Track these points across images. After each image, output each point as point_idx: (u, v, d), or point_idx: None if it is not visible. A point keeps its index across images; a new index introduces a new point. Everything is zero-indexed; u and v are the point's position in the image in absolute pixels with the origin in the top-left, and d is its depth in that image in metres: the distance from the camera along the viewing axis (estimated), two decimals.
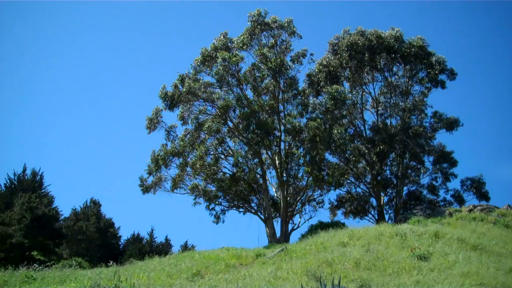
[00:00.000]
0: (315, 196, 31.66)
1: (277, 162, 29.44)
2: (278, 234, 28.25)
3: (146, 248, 36.80)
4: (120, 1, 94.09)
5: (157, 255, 21.61)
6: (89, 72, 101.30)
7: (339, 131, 27.95)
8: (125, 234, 47.89)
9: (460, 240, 16.53)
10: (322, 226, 26.17)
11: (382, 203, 30.55)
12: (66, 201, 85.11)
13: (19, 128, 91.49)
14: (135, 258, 27.11)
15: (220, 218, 31.03)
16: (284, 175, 29.86)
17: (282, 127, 29.78)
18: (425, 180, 32.79)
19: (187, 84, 27.88)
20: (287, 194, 29.55)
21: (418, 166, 32.02)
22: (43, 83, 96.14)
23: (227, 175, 30.76)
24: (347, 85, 31.82)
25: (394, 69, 31.47)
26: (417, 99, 31.22)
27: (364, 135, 31.12)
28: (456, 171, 32.14)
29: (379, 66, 30.97)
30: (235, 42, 28.95)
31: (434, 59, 30.13)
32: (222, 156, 31.04)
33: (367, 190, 31.80)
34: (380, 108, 32.15)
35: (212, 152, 30.43)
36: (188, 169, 30.06)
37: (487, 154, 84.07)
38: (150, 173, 29.95)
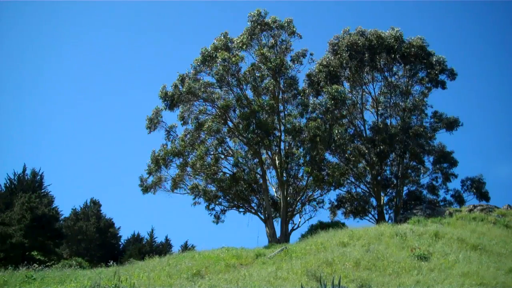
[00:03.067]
0: (315, 196, 31.72)
1: (277, 162, 29.43)
2: (278, 234, 28.25)
3: (146, 248, 36.79)
4: (121, 1, 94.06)
5: (157, 255, 21.61)
6: (89, 72, 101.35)
7: (339, 131, 27.96)
8: (125, 234, 47.87)
9: (460, 240, 16.53)
10: (322, 226, 26.16)
11: (382, 203, 30.54)
12: (66, 201, 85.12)
13: (19, 128, 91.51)
14: (135, 258, 27.09)
15: (220, 218, 31.06)
16: (284, 175, 29.84)
17: (282, 127, 29.78)
18: (425, 180, 32.85)
19: (187, 84, 27.88)
20: (287, 194, 29.54)
21: (418, 166, 32.05)
22: (43, 83, 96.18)
23: (227, 175, 30.75)
24: (347, 85, 31.81)
25: (394, 69, 31.47)
26: (417, 99, 31.21)
27: (364, 135, 31.10)
28: (456, 171, 32.20)
29: (379, 66, 30.97)
30: (235, 42, 28.95)
31: (434, 59, 30.13)
32: (222, 156, 31.04)
33: (367, 190, 31.80)
34: (380, 108, 32.13)
35: (212, 152, 30.43)
36: (188, 169, 30.08)
37: (487, 154, 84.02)
38: (150, 173, 29.94)
